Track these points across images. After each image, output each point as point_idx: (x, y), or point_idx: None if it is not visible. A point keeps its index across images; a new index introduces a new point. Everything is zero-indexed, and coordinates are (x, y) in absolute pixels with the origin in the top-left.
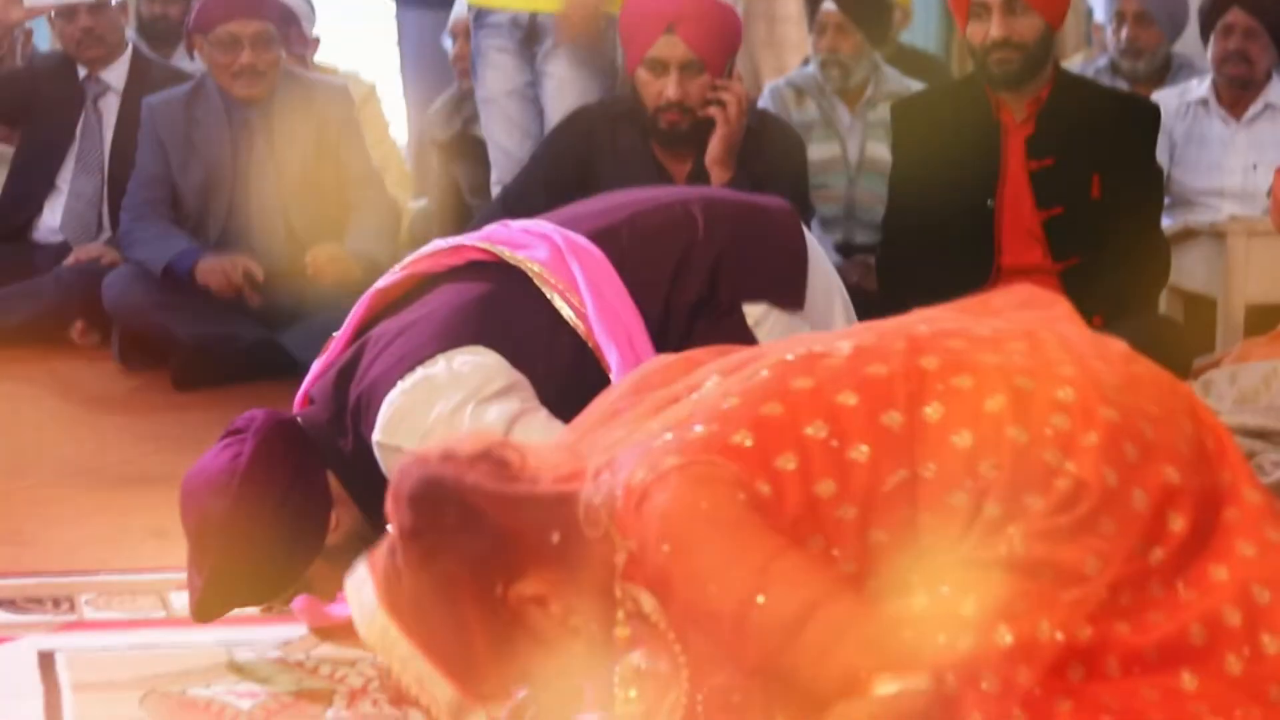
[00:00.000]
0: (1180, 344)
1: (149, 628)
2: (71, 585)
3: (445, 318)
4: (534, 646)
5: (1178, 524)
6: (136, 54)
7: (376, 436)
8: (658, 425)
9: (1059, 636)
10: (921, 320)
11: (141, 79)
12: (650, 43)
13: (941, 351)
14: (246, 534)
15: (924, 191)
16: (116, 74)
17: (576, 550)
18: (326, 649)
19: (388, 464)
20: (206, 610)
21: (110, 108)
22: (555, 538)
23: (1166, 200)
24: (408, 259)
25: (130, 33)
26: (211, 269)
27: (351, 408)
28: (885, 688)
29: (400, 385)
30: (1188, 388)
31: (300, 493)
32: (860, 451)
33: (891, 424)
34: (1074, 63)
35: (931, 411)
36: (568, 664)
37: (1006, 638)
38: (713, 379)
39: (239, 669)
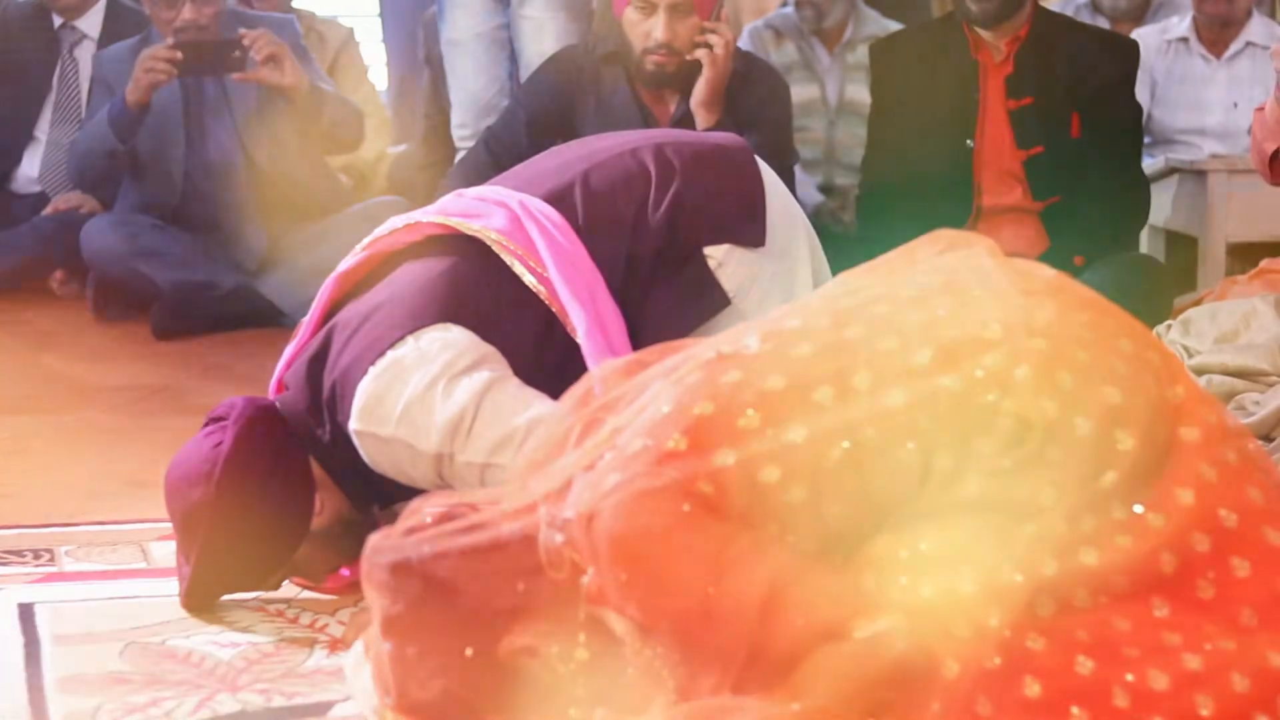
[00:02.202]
0: (1162, 283)
1: (129, 578)
2: (50, 536)
3: (410, 298)
4: (545, 695)
5: (1126, 443)
6: (111, 1)
7: (353, 425)
8: (597, 445)
9: (1019, 579)
10: (845, 292)
11: (117, 26)
12: None
13: (865, 320)
14: (231, 521)
15: (903, 132)
16: (91, 22)
17: (548, 593)
18: (308, 597)
19: (367, 450)
20: (197, 598)
21: (86, 56)
22: (520, 587)
23: (1147, 139)
24: (366, 240)
25: None
26: (135, 78)
27: (326, 397)
28: (863, 630)
29: (371, 371)
30: (1119, 309)
31: (283, 478)
32: (796, 433)
33: (823, 399)
34: (1055, 1)
35: (860, 380)
36: (584, 696)
37: (971, 581)
38: (653, 387)
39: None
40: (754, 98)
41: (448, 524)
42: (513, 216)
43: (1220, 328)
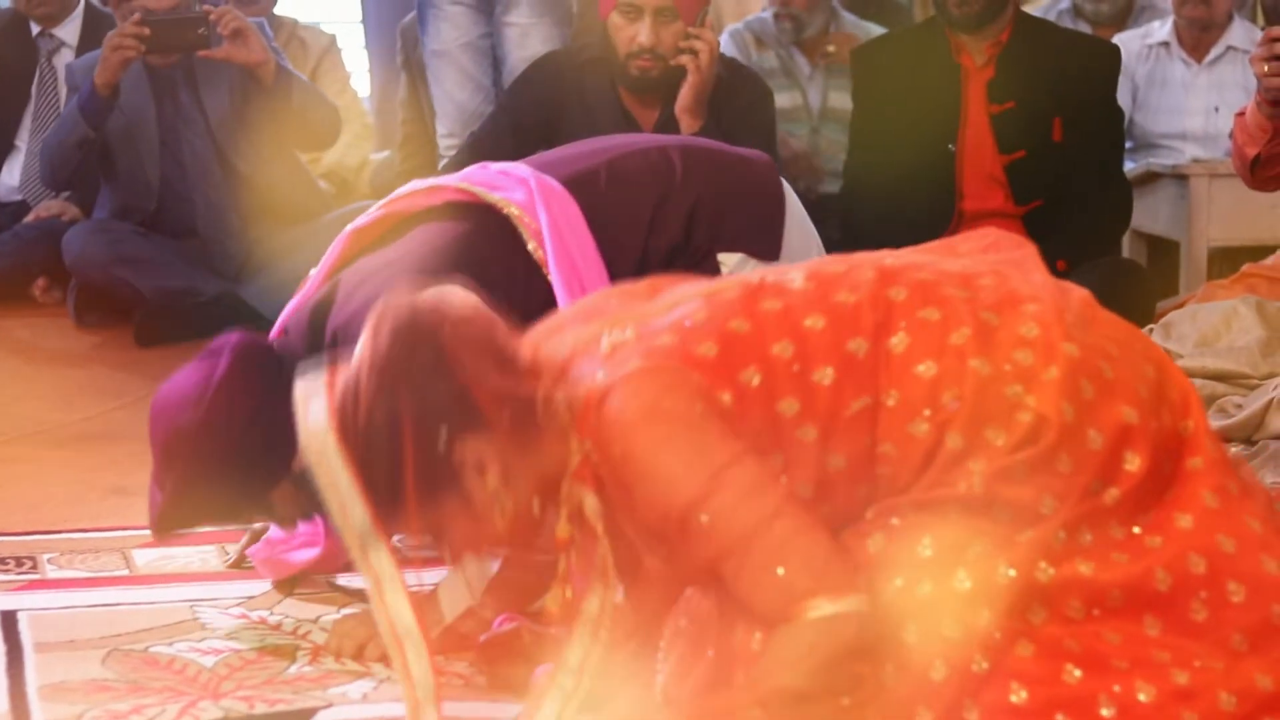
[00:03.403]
0: (1144, 287)
1: (111, 586)
2: (33, 544)
3: (423, 256)
4: (459, 509)
5: (1134, 464)
6: (89, 9)
7: None
8: (620, 331)
9: (1012, 573)
10: (890, 255)
11: (95, 34)
12: None
13: (910, 284)
14: (213, 450)
15: (885, 136)
16: (69, 30)
17: (528, 435)
18: (289, 605)
19: None
20: (166, 524)
21: (65, 64)
22: (508, 414)
23: (1128, 143)
24: (386, 199)
25: None
26: (103, 58)
27: (328, 342)
28: (819, 610)
29: None
30: (1149, 339)
31: (271, 414)
32: (825, 374)
33: (857, 351)
34: (1037, 6)
35: (897, 342)
36: (482, 535)
37: (965, 582)
38: (685, 298)
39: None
40: (737, 104)
41: (471, 329)
42: (530, 194)
43: (1201, 330)
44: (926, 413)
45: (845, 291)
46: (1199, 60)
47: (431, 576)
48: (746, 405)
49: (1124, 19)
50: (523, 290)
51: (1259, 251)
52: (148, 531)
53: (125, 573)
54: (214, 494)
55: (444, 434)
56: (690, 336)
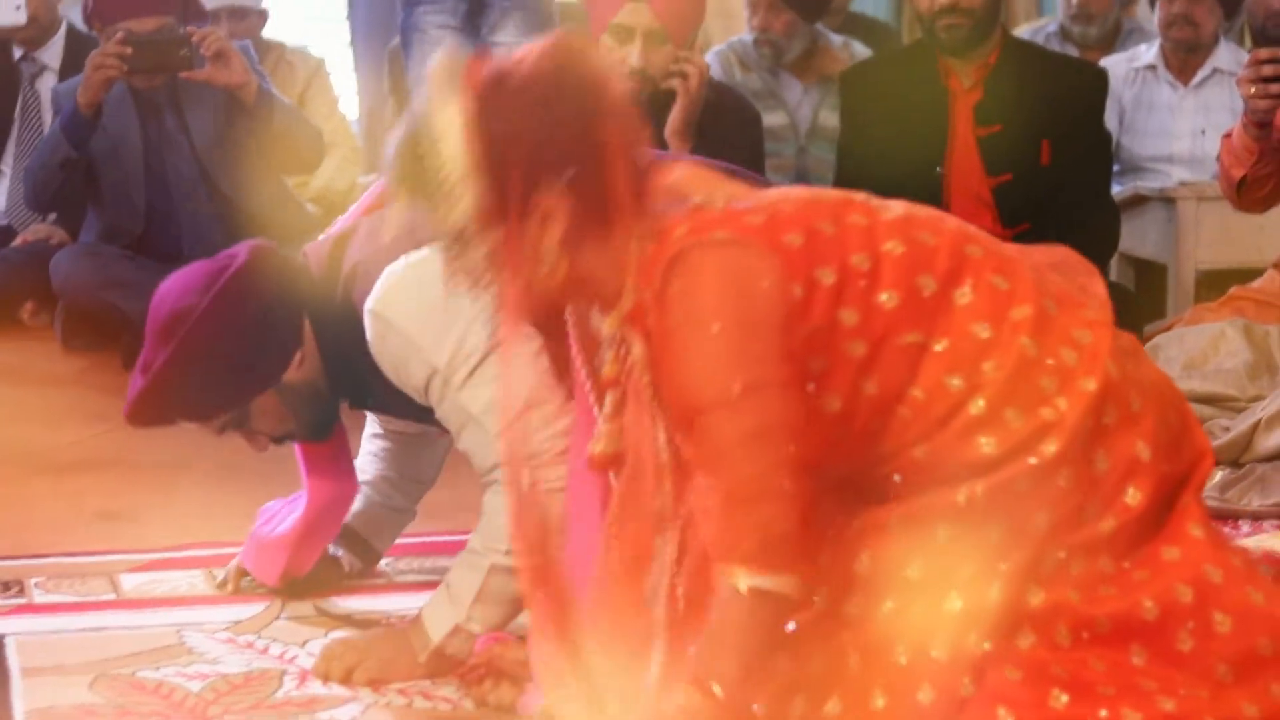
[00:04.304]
0: (1131, 310)
1: (99, 610)
2: (21, 569)
3: None
4: (514, 244)
5: (1134, 499)
6: (71, 31)
7: (371, 304)
8: (712, 199)
9: (1001, 597)
10: (970, 225)
11: (77, 57)
12: (617, 9)
13: (987, 248)
14: (211, 338)
15: (873, 159)
16: (51, 53)
17: (606, 233)
18: (277, 629)
19: (374, 333)
20: (142, 409)
21: (48, 88)
22: (607, 200)
23: (1116, 166)
24: None
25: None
26: (86, 77)
27: (346, 273)
28: (747, 579)
29: (406, 259)
30: (1182, 393)
31: (272, 320)
32: (890, 297)
33: (924, 288)
34: (1025, 29)
35: (960, 294)
36: (522, 285)
37: (956, 604)
38: (774, 190)
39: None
40: (726, 127)
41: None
42: None
43: (1188, 353)
44: (967, 372)
45: (928, 233)
46: (1185, 83)
47: (418, 600)
48: (813, 303)
49: (1111, 42)
50: None
51: (1246, 274)
52: (136, 556)
53: (113, 597)
54: (199, 385)
55: (544, 174)
56: (779, 223)
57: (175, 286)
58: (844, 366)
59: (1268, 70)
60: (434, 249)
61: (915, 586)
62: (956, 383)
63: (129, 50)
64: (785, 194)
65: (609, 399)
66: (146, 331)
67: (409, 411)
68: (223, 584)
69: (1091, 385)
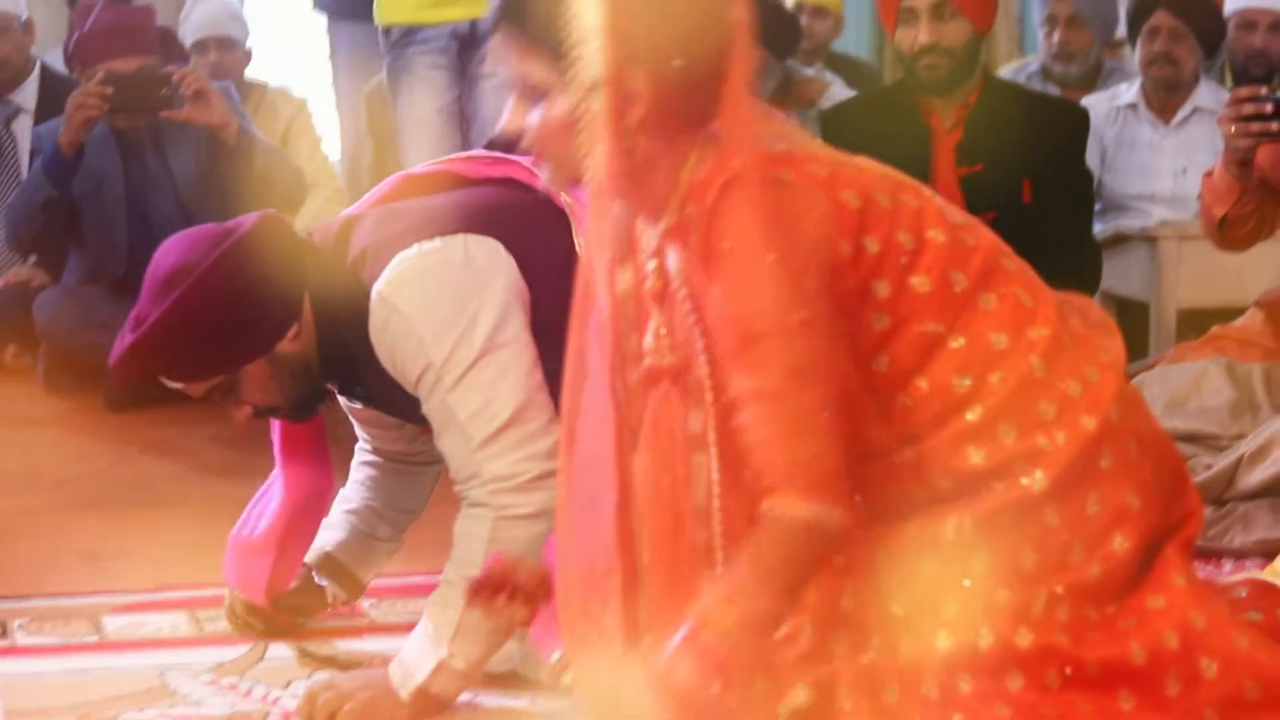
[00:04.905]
0: None
1: (82, 653)
2: (3, 610)
3: (478, 206)
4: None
5: (1122, 546)
6: (45, 73)
7: (380, 288)
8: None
9: (991, 639)
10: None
11: (53, 98)
12: None
13: (1020, 265)
14: (211, 294)
15: None
16: (26, 95)
17: (670, 136)
18: (261, 671)
19: (377, 316)
20: (132, 361)
21: (24, 130)
22: (686, 108)
23: (1097, 205)
24: (448, 156)
25: (39, 51)
26: (67, 116)
27: (355, 255)
28: (791, 508)
29: (419, 246)
30: (1180, 454)
31: (273, 286)
32: (922, 282)
33: (956, 283)
34: (1006, 69)
35: (986, 300)
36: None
37: (946, 642)
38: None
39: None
40: None
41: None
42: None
43: (1171, 392)
44: (974, 375)
45: (969, 234)
46: (1167, 122)
47: (403, 642)
48: (855, 265)
49: (1093, 81)
50: (559, 275)
51: (1228, 313)
52: (119, 598)
53: (96, 639)
54: (193, 342)
55: (662, 50)
56: (839, 180)
57: (179, 244)
58: (863, 335)
59: (1248, 109)
60: (446, 239)
61: (902, 624)
62: (963, 384)
63: (109, 90)
64: (848, 158)
65: (656, 312)
66: (144, 287)
67: (395, 405)
68: (230, 614)
69: (1091, 424)
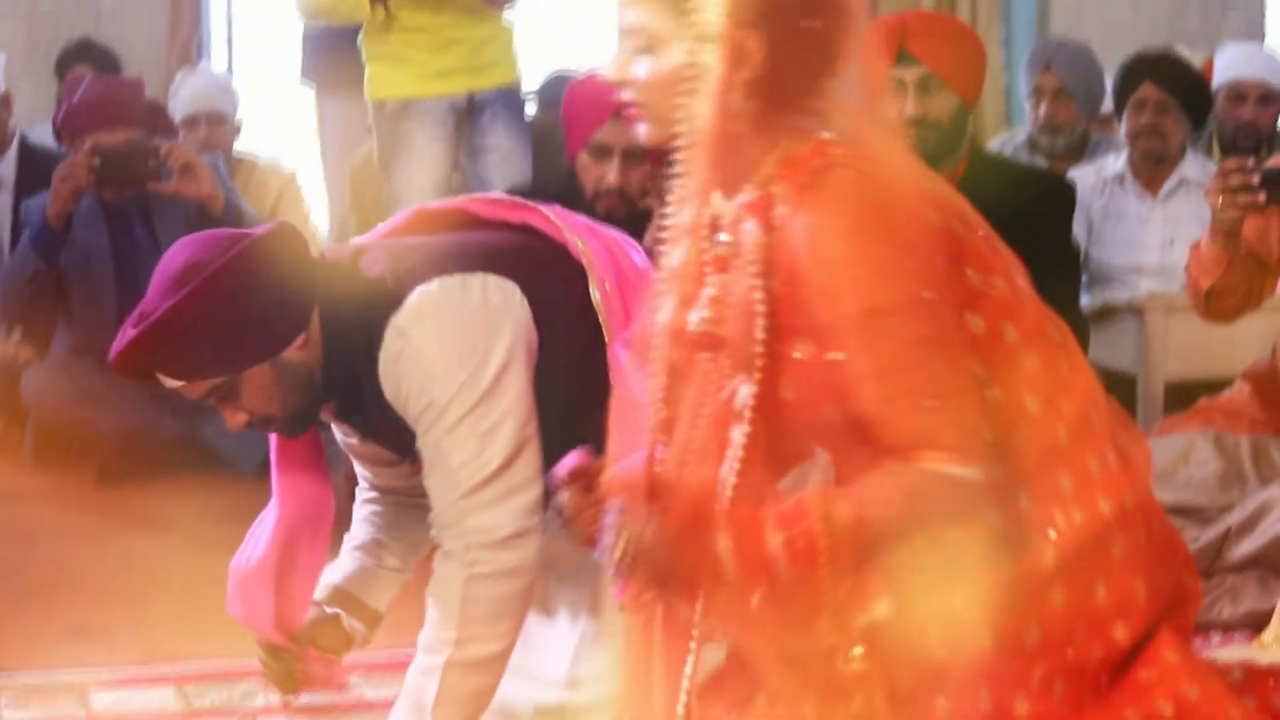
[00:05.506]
0: None
1: None
2: None
3: (500, 247)
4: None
5: (1123, 636)
6: (24, 145)
7: (398, 319)
8: None
9: (989, 705)
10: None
11: (32, 170)
12: (595, 127)
13: (1066, 337)
14: (220, 295)
15: None
16: (5, 167)
17: (771, 106)
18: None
19: (390, 346)
20: (135, 355)
21: (2, 203)
22: (797, 80)
23: (1084, 277)
24: (466, 196)
25: (25, 124)
26: (54, 189)
27: (370, 282)
28: (943, 467)
29: (440, 281)
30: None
31: (286, 293)
32: (978, 325)
33: (1006, 333)
34: (993, 141)
35: (1028, 359)
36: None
37: (944, 705)
38: None
39: None
40: None
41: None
42: (602, 246)
43: (1159, 464)
44: (1000, 432)
45: (1027, 292)
46: (1154, 193)
47: None
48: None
49: (1079, 153)
50: (570, 323)
51: (1215, 385)
52: (107, 672)
53: (83, 715)
54: (201, 338)
55: (791, 11)
56: (926, 196)
57: (194, 242)
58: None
59: (1236, 181)
60: (467, 276)
61: (905, 695)
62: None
63: (96, 161)
64: (934, 176)
65: (713, 277)
66: (152, 284)
67: (388, 435)
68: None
69: (1107, 507)
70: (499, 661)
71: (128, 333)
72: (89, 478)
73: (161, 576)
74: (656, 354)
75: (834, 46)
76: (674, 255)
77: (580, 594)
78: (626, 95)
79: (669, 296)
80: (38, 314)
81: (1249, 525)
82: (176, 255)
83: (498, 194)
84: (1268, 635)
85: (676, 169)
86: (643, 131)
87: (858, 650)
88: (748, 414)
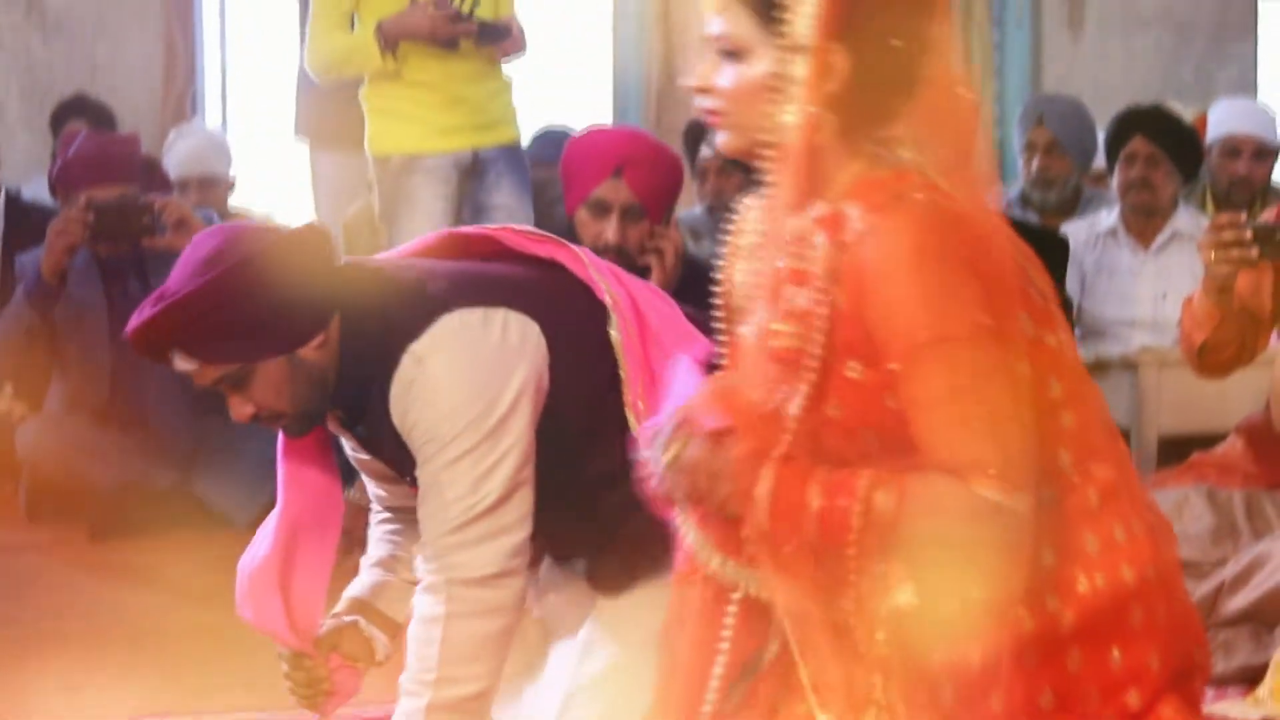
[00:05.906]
0: None
1: None
2: None
3: (518, 279)
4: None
5: (1135, 702)
6: (10, 201)
7: (416, 346)
8: None
9: None
10: None
11: (19, 225)
12: (595, 184)
13: (1102, 401)
14: (248, 280)
15: None
16: None
17: (850, 125)
18: None
19: (405, 374)
20: (153, 331)
21: None
22: (883, 101)
23: (1077, 332)
24: (498, 225)
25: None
26: (48, 244)
27: (393, 299)
28: (986, 490)
29: (461, 314)
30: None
31: (312, 289)
32: (1025, 370)
33: (1051, 387)
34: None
35: (1067, 417)
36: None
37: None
38: None
39: None
40: (697, 297)
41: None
42: (624, 290)
43: None
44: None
45: (1071, 350)
46: (1146, 247)
47: None
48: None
49: (1072, 207)
50: (588, 364)
51: (1209, 440)
52: None
53: None
54: (219, 322)
55: (886, 26)
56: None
57: (222, 231)
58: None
59: (1228, 235)
60: (489, 310)
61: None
62: None
63: (90, 216)
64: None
65: (788, 293)
66: (177, 267)
67: (388, 452)
68: (291, 682)
69: (1129, 574)
70: (480, 702)
71: (146, 311)
72: (83, 532)
73: (155, 631)
74: (741, 363)
75: (916, 70)
76: (750, 267)
77: (570, 649)
78: (707, 103)
79: (749, 309)
80: (32, 369)
81: (1242, 579)
82: (204, 241)
83: (527, 226)
84: (1262, 690)
85: (766, 179)
86: (721, 140)
87: (880, 635)
88: (792, 425)
